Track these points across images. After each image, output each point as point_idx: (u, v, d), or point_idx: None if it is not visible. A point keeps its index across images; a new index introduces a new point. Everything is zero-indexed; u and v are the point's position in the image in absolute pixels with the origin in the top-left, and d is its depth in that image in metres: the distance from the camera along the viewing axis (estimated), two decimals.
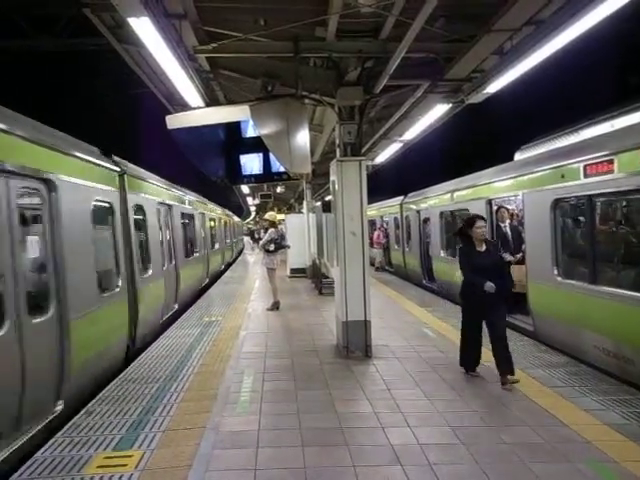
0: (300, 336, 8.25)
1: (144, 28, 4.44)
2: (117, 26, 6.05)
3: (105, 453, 4.20)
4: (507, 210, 9.46)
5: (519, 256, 8.81)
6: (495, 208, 9.46)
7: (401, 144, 11.92)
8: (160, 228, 10.23)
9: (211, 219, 19.40)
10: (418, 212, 14.80)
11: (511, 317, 8.89)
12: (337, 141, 7.15)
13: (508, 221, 9.30)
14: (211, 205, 20.45)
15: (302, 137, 6.26)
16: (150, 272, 8.88)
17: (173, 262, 11.17)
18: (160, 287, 9.59)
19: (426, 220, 14.15)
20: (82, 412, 5.12)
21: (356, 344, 6.87)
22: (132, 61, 7.05)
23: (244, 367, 6.51)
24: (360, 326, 6.86)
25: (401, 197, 17.24)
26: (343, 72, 6.83)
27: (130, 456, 4.11)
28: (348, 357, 6.82)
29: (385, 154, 13.39)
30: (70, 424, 4.82)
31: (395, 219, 17.96)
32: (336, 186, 6.88)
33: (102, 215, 7.01)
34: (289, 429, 4.57)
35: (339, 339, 7.16)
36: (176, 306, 11.02)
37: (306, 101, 7.09)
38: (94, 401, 5.44)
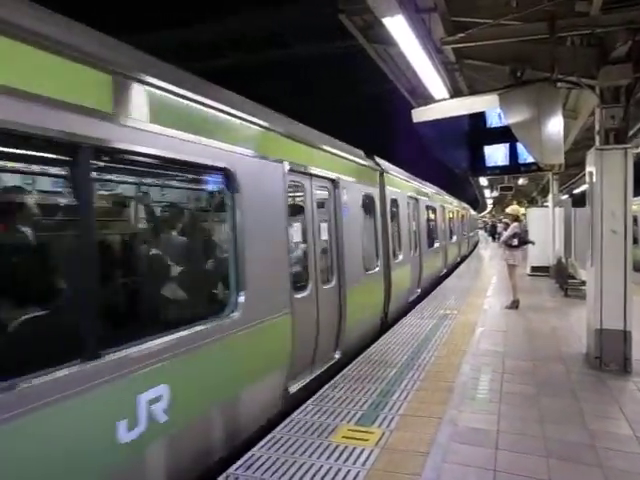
0: (542, 340, 7.65)
1: (397, 26, 4.61)
2: (367, 27, 6.46)
3: (348, 425, 4.57)
4: None
5: None
6: None
7: None
8: (409, 219, 11.03)
9: (449, 212, 19.64)
10: None
11: None
12: (596, 127, 6.36)
13: None
14: (448, 197, 20.54)
15: (555, 125, 5.77)
16: (400, 258, 9.81)
17: (417, 251, 11.85)
18: (407, 272, 10.46)
19: None
20: (328, 385, 5.67)
21: (611, 356, 6.07)
22: (379, 58, 7.45)
23: (481, 364, 6.35)
24: (618, 336, 6.03)
25: None
26: (608, 49, 6.05)
27: (372, 432, 4.39)
28: (601, 369, 6.08)
29: None
30: (319, 394, 5.38)
31: None
32: (594, 178, 6.15)
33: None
34: (531, 436, 4.31)
35: (590, 348, 6.42)
36: (419, 291, 11.80)
37: (559, 85, 6.50)
38: (338, 377, 5.96)
